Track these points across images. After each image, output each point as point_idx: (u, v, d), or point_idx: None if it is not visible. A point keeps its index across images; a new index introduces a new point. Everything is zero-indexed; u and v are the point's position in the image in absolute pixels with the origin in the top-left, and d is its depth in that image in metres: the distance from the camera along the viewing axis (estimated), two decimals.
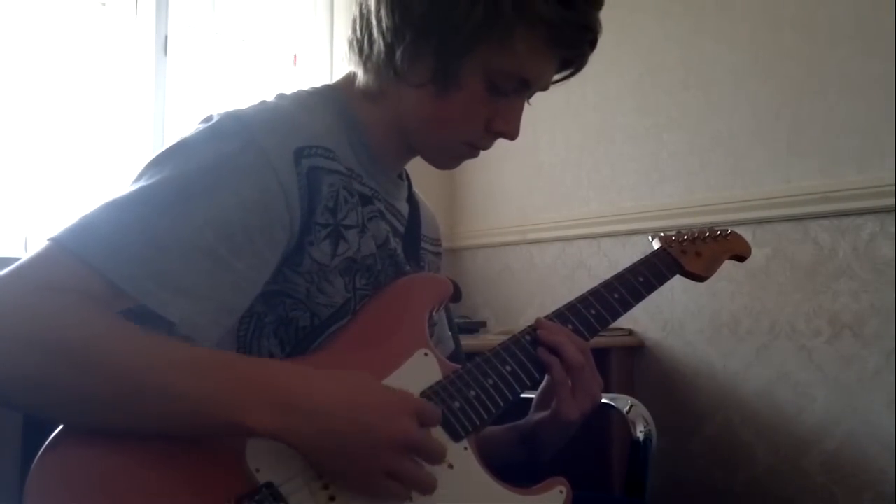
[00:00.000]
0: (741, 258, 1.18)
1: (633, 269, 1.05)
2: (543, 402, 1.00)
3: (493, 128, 0.90)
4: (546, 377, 0.97)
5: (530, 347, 0.93)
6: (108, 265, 0.70)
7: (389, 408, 0.73)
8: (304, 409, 0.69)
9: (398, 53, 0.86)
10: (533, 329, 0.95)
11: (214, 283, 0.75)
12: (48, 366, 0.65)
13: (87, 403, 0.67)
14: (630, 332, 2.23)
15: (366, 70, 0.90)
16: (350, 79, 0.93)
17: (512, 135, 0.91)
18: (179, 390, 0.68)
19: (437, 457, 0.76)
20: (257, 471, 0.72)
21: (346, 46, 0.93)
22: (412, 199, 1.04)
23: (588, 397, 0.94)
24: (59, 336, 0.66)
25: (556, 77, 0.93)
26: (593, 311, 0.99)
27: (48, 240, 0.72)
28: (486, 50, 0.84)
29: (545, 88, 0.92)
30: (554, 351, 0.93)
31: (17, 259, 0.71)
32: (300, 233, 0.82)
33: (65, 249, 0.71)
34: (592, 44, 0.90)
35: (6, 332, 0.65)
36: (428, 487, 0.75)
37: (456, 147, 0.93)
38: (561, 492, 0.87)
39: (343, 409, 0.71)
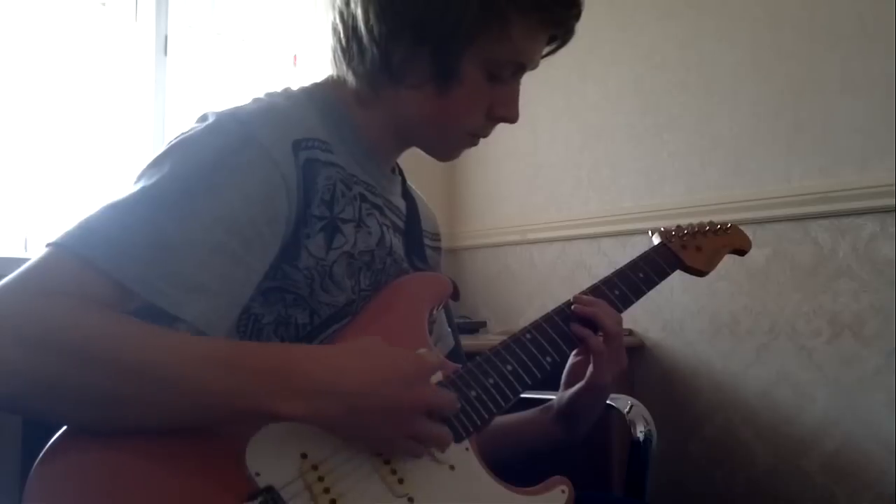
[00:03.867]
0: (742, 252, 1.17)
1: (634, 265, 1.05)
2: (571, 378, 1.04)
3: (494, 114, 0.92)
4: (572, 354, 1.02)
5: (531, 346, 0.93)
6: (114, 267, 0.70)
7: (408, 376, 0.75)
8: (331, 393, 0.71)
9: (394, 58, 0.86)
10: (534, 326, 0.95)
11: (228, 278, 0.76)
12: (60, 368, 0.65)
13: (102, 402, 0.67)
14: (630, 332, 2.23)
15: (357, 76, 0.90)
16: (339, 81, 0.93)
17: (513, 119, 0.93)
18: (201, 384, 0.68)
19: (448, 411, 0.80)
20: (257, 474, 0.72)
21: (329, 54, 0.93)
22: (407, 194, 1.04)
23: (619, 363, 0.99)
24: (68, 338, 0.66)
25: (545, 51, 0.95)
26: None
27: (49, 245, 0.71)
28: (484, 42, 0.85)
29: (536, 66, 0.94)
30: (592, 323, 0.97)
31: (16, 259, 0.71)
32: (296, 224, 0.82)
33: (69, 253, 0.70)
34: (578, 16, 0.91)
35: (11, 339, 0.64)
36: (443, 442, 0.79)
37: (459, 138, 0.95)
38: (563, 491, 0.87)
39: (367, 385, 0.72)
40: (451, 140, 0.95)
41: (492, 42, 0.86)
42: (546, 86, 2.45)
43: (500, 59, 0.88)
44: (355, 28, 0.88)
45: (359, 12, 0.87)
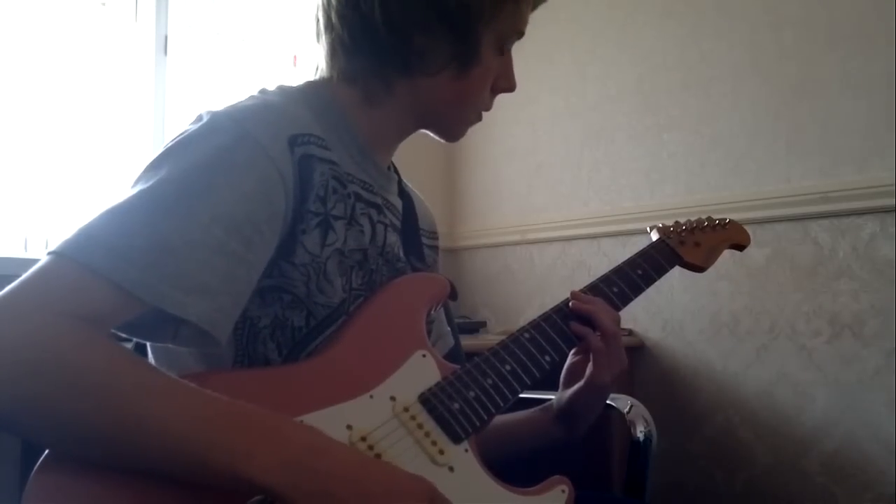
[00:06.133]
0: (740, 247, 1.17)
1: (632, 262, 1.05)
2: (570, 378, 1.04)
3: (497, 87, 0.96)
4: (571, 353, 1.02)
5: (529, 345, 0.93)
6: (115, 272, 0.69)
7: (398, 485, 0.70)
8: (313, 470, 0.67)
9: (414, 48, 0.87)
10: (533, 325, 0.95)
11: (230, 277, 0.75)
12: (49, 394, 0.64)
13: (85, 436, 0.65)
14: (630, 332, 2.23)
15: (366, 74, 0.89)
16: (337, 81, 0.92)
17: (514, 88, 0.97)
18: (184, 432, 0.66)
19: None
20: None
21: (325, 56, 0.91)
22: (403, 193, 1.04)
23: (619, 362, 0.98)
24: (60, 365, 0.64)
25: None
26: None
27: (49, 253, 0.70)
28: (501, 17, 0.89)
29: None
30: (590, 321, 0.97)
31: (16, 259, 0.70)
32: (293, 220, 0.82)
33: (69, 261, 0.69)
34: None
35: (10, 359, 0.63)
36: None
37: (472, 117, 0.97)
38: (563, 491, 0.87)
39: (351, 477, 0.68)
40: (466, 120, 0.97)
41: (506, 16, 0.89)
42: (546, 86, 2.45)
43: (510, 31, 0.91)
44: (368, 24, 0.87)
45: (376, 7, 0.86)
